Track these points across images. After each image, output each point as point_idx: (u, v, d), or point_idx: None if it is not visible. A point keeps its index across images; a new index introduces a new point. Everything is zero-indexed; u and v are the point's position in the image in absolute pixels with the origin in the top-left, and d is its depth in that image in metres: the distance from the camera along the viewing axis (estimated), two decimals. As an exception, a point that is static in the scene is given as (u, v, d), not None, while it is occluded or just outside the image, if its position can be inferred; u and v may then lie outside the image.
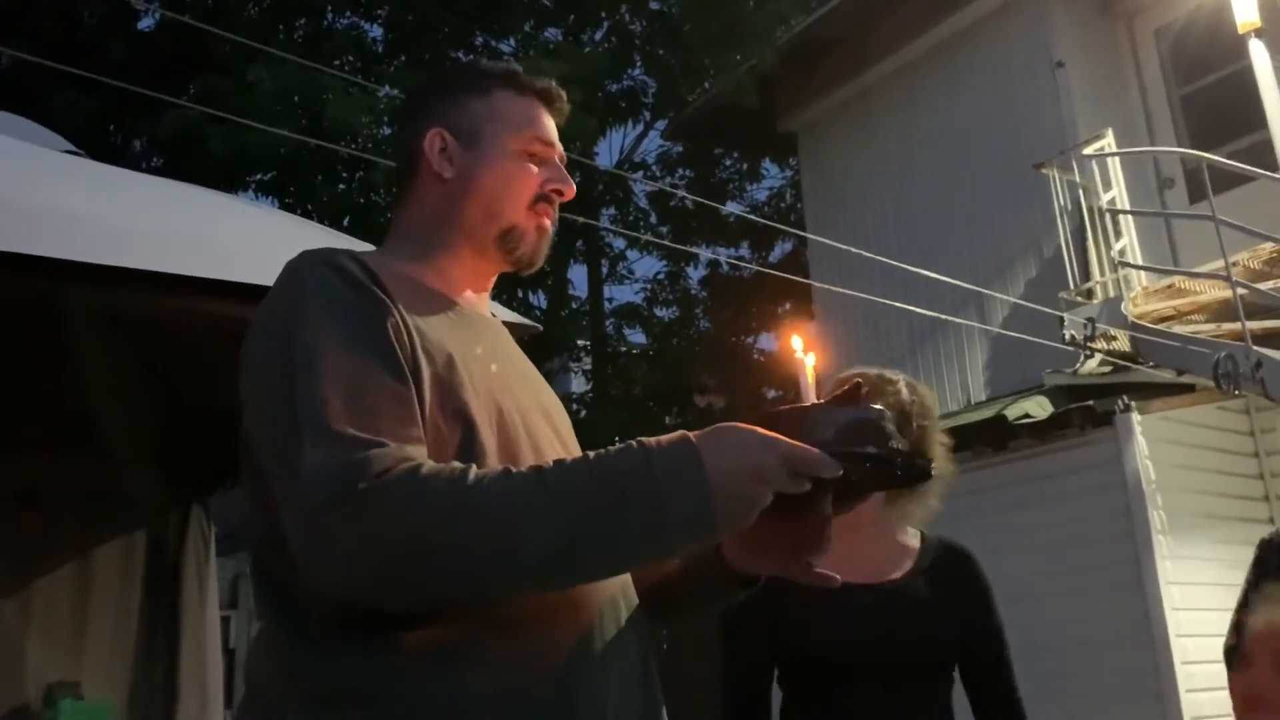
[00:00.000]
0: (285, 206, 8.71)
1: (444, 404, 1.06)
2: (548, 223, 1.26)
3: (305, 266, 1.11)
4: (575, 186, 1.28)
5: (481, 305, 1.28)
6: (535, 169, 1.25)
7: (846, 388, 1.09)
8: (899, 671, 1.94)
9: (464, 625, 1.00)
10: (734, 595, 1.24)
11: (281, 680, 1.03)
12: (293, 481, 0.96)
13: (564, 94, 1.30)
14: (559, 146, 1.29)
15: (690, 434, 1.00)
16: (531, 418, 1.16)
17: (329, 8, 9.91)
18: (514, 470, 0.98)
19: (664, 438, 1.00)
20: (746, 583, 1.22)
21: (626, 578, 1.15)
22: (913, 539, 2.07)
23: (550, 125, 1.28)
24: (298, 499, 0.95)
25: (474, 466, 0.97)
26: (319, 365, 1.01)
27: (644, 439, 1.01)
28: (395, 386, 1.02)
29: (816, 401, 1.10)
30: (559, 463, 0.99)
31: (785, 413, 1.07)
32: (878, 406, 1.08)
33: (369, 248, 1.29)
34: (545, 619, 1.03)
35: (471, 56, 10.25)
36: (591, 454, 1.01)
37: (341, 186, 9.03)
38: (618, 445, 1.00)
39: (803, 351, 1.13)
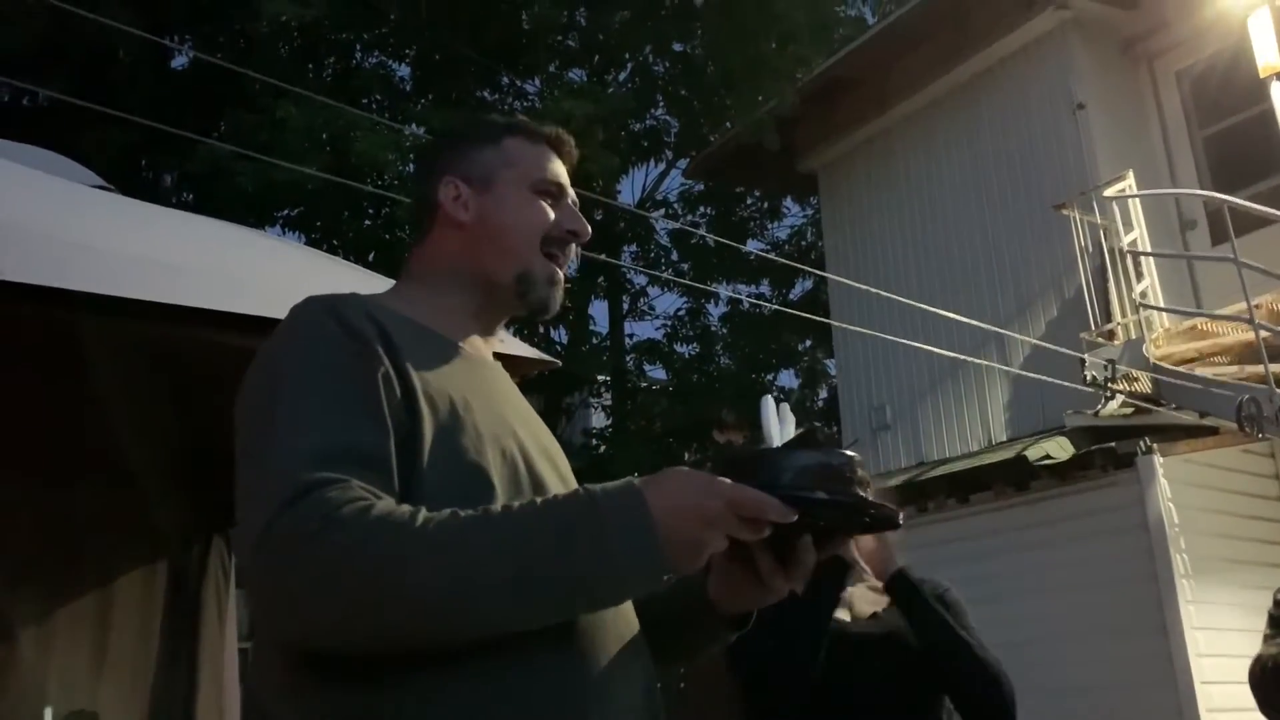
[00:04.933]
0: (311, 242, 8.82)
1: (446, 449, 1.07)
2: (559, 273, 1.28)
3: (306, 312, 1.12)
4: (590, 228, 1.30)
5: (487, 349, 1.29)
6: (549, 209, 1.27)
7: (802, 431, 1.10)
8: (885, 706, 1.99)
9: (476, 659, 0.99)
10: (725, 636, 1.24)
11: (284, 707, 1.02)
12: (249, 518, 0.97)
13: (571, 140, 1.33)
14: (571, 191, 1.31)
15: (635, 480, 1.00)
16: (534, 459, 1.17)
17: (358, 47, 10.09)
18: (461, 512, 0.97)
19: (610, 484, 1.00)
20: (738, 623, 1.23)
21: (633, 619, 1.15)
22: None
23: (561, 170, 1.31)
24: (249, 537, 0.95)
25: (423, 509, 0.97)
26: (295, 409, 1.02)
27: (589, 485, 1.02)
28: (372, 436, 1.02)
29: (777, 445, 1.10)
30: (506, 506, 1.00)
31: (745, 456, 1.05)
32: (847, 452, 1.05)
33: (391, 283, 1.31)
34: (554, 660, 1.03)
35: (497, 96, 10.39)
36: (539, 499, 1.02)
37: (367, 223, 9.14)
38: (564, 493, 1.01)
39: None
